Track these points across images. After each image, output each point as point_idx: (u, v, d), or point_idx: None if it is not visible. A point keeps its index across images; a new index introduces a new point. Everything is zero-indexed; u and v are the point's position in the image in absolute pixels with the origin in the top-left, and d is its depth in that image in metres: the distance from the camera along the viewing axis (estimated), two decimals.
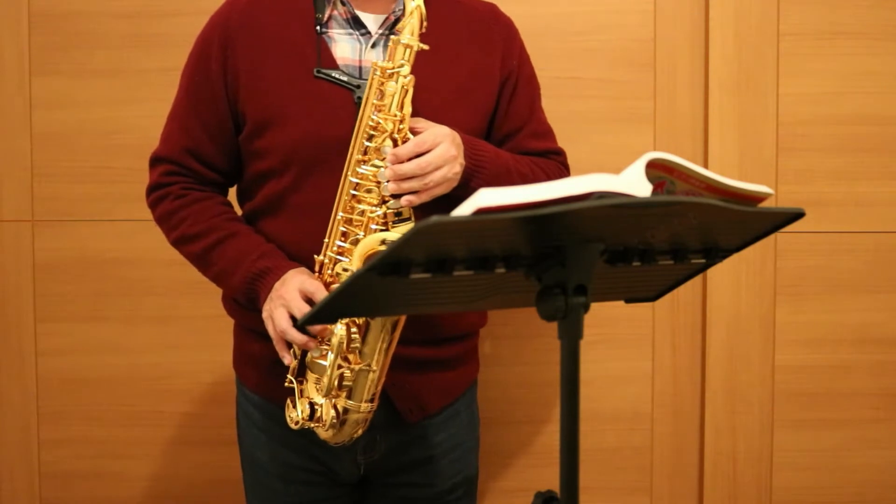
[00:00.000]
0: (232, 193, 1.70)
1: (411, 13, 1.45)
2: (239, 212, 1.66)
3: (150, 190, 1.64)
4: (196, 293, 2.10)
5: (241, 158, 1.62)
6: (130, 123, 2.11)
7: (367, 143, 1.46)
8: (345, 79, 1.53)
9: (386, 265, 0.96)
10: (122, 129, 2.11)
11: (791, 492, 2.13)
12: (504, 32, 1.67)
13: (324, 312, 1.10)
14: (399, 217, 1.47)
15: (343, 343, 1.43)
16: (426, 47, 1.47)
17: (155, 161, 1.64)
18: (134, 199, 2.08)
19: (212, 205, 1.61)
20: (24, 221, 2.15)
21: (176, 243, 1.63)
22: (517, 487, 2.16)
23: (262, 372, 1.61)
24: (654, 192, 1.01)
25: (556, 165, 1.71)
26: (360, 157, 1.47)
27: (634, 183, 1.00)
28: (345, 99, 1.52)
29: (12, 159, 2.14)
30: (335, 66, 1.54)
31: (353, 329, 1.45)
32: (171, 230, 1.62)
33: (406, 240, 0.93)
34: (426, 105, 1.52)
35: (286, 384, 1.50)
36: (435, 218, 0.90)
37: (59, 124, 2.13)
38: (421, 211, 1.46)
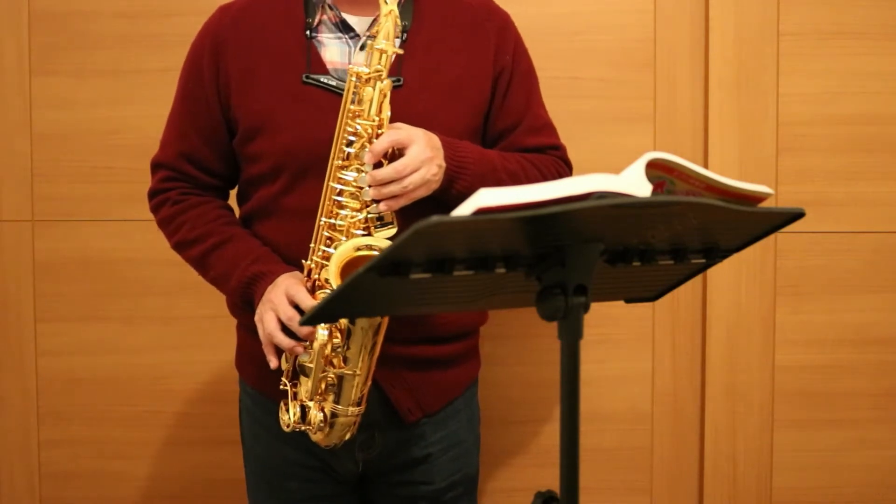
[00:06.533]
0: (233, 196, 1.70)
1: (385, 17, 1.44)
2: (238, 214, 1.67)
3: (151, 195, 1.67)
4: (196, 293, 2.10)
5: (237, 162, 1.63)
6: (130, 123, 2.11)
7: (346, 149, 1.47)
8: (333, 83, 1.53)
9: (386, 265, 0.96)
10: (122, 129, 2.11)
11: (791, 492, 2.13)
12: (497, 27, 1.65)
13: (324, 312, 1.10)
14: (381, 222, 1.47)
15: (324, 347, 1.44)
16: (401, 52, 1.47)
17: (154, 167, 1.67)
18: (134, 199, 2.09)
19: (209, 209, 1.63)
20: (24, 221, 2.15)
21: (176, 248, 1.66)
22: (517, 487, 2.16)
23: (262, 369, 1.61)
24: (654, 192, 1.01)
25: (552, 160, 1.68)
26: (340, 162, 1.47)
27: (634, 183, 1.00)
28: (334, 103, 1.51)
29: (12, 159, 2.14)
30: (325, 71, 1.55)
31: (336, 334, 1.45)
32: (171, 235, 1.65)
33: (406, 240, 0.93)
34: (420, 105, 1.52)
35: (280, 387, 1.52)
36: (435, 218, 0.90)
37: (59, 124, 2.13)
38: (403, 215, 1.47)
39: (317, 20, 1.58)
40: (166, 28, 2.09)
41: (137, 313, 2.15)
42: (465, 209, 0.93)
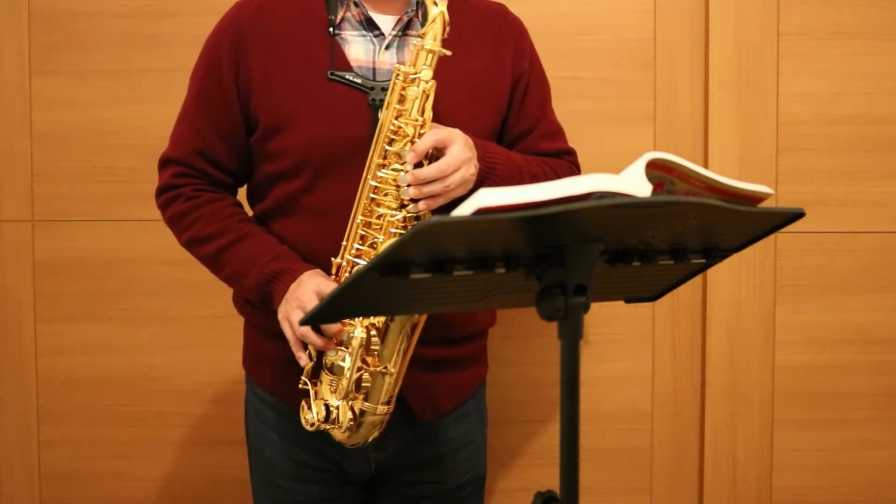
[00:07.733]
0: (242, 193, 1.70)
1: (434, 19, 1.45)
2: (250, 212, 1.66)
3: (161, 191, 1.64)
4: (196, 293, 2.10)
5: (251, 160, 1.62)
6: (130, 123, 2.11)
7: (387, 148, 1.46)
8: (359, 81, 1.53)
9: (386, 265, 0.96)
10: (122, 129, 2.11)
11: (791, 492, 2.13)
12: (514, 32, 1.67)
13: (325, 312, 1.10)
14: (418, 221, 1.47)
15: (363, 346, 1.44)
16: (449, 53, 1.47)
17: (165, 163, 1.64)
18: (134, 199, 2.09)
19: (224, 206, 1.61)
20: (24, 221, 2.15)
21: (187, 245, 1.63)
22: (518, 487, 2.16)
23: (276, 371, 1.60)
24: (654, 192, 1.01)
25: (567, 165, 1.71)
26: (380, 160, 1.47)
27: (634, 183, 1.00)
28: (359, 101, 1.52)
29: (12, 159, 2.14)
30: (349, 68, 1.54)
31: (373, 332, 1.45)
32: (183, 231, 1.62)
33: (406, 240, 0.93)
34: (438, 106, 1.52)
35: (300, 386, 1.50)
36: (435, 218, 0.90)
37: (59, 124, 2.13)
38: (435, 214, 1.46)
39: (339, 17, 1.57)
40: (166, 28, 2.10)
41: (137, 313, 2.15)
42: (465, 209, 0.93)
